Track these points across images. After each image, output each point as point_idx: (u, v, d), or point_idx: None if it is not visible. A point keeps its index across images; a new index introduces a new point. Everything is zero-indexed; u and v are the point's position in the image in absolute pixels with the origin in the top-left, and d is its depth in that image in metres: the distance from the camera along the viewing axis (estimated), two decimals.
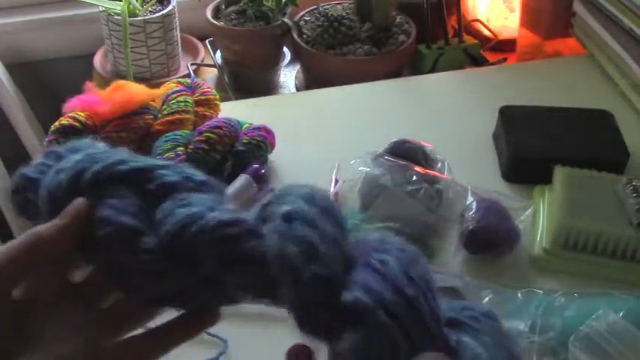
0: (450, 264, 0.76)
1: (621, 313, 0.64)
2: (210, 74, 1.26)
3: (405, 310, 0.33)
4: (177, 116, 0.87)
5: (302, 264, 0.35)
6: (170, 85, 0.92)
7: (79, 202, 0.40)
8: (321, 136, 0.97)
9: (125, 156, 0.41)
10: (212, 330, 0.68)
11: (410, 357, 0.33)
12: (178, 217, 0.38)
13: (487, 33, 1.29)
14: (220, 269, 0.37)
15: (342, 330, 0.34)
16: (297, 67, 1.26)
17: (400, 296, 0.34)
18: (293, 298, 0.36)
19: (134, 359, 0.40)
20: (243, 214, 0.39)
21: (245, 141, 0.86)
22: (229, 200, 0.41)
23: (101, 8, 1.13)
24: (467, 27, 1.28)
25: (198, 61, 1.25)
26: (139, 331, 0.42)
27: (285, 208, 0.37)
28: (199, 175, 0.42)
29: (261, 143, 0.86)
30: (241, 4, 1.18)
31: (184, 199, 0.39)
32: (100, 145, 0.46)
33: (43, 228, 0.39)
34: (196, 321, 0.41)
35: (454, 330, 0.36)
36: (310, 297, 0.35)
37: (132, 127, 0.86)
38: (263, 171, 0.84)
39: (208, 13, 1.17)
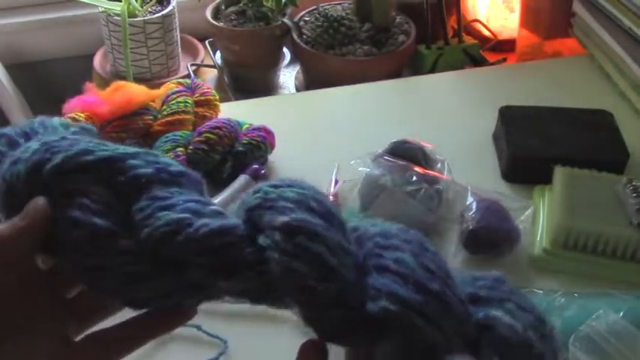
0: (450, 264, 0.75)
1: (621, 313, 0.64)
2: (210, 75, 1.26)
3: (434, 307, 0.33)
4: (177, 117, 0.87)
5: (316, 283, 0.33)
6: (170, 86, 0.92)
7: (39, 202, 0.37)
8: (321, 136, 0.97)
9: (89, 144, 0.38)
10: (212, 330, 0.68)
11: (446, 346, 0.33)
12: (162, 221, 0.35)
13: (487, 33, 1.29)
14: (212, 277, 0.35)
15: (371, 337, 0.33)
16: (297, 67, 1.26)
17: (426, 294, 0.33)
18: (311, 316, 0.34)
19: (104, 352, 0.39)
20: (231, 219, 0.36)
21: (245, 141, 0.86)
22: (226, 202, 0.39)
23: (101, 9, 1.13)
24: (466, 27, 1.28)
25: (198, 61, 1.26)
26: (110, 323, 0.41)
27: (282, 218, 0.34)
28: (174, 165, 0.39)
29: (260, 144, 0.86)
30: (241, 4, 1.18)
31: (164, 198, 0.36)
32: (55, 124, 0.42)
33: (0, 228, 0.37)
34: (172, 316, 0.40)
35: (478, 305, 0.35)
36: (331, 314, 0.34)
37: (132, 127, 0.86)
38: (263, 171, 0.84)
39: (208, 14, 1.17)
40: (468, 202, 0.78)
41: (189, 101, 0.90)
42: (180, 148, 0.83)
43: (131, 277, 0.36)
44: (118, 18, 1.11)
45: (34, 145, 0.38)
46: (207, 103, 0.92)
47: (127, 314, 0.41)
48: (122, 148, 0.38)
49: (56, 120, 0.43)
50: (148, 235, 0.35)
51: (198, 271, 0.35)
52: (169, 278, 0.36)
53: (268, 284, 0.35)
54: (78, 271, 0.37)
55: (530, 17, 1.18)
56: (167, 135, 0.84)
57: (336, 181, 0.86)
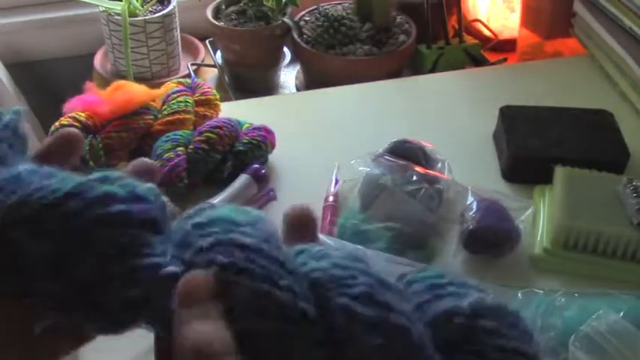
0: (450, 264, 0.75)
1: (621, 313, 0.64)
2: (211, 74, 1.26)
3: None
4: (177, 116, 0.87)
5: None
6: (170, 85, 0.92)
7: None
8: (321, 136, 0.97)
9: (19, 190, 0.33)
10: None
11: None
12: (119, 300, 0.31)
13: (487, 33, 1.29)
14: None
15: None
16: (297, 67, 1.26)
17: None
18: None
19: (70, 342, 0.36)
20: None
21: (245, 141, 0.86)
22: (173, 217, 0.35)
23: (101, 8, 1.13)
24: (467, 27, 1.28)
25: (199, 61, 1.26)
26: None
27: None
28: (119, 198, 0.33)
29: (261, 143, 0.86)
30: (241, 4, 1.18)
31: (121, 264, 0.32)
32: None
33: None
34: None
35: (452, 354, 0.31)
36: None
37: (132, 127, 0.86)
38: (263, 171, 0.84)
39: (208, 13, 1.17)
40: (468, 202, 0.78)
41: (189, 101, 0.90)
42: (181, 148, 0.83)
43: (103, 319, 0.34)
44: (119, 17, 1.11)
45: None
46: (207, 103, 0.92)
47: None
48: (57, 186, 0.33)
49: None
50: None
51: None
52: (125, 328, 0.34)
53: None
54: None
55: (530, 17, 1.18)
56: (167, 134, 0.84)
57: (336, 181, 0.86)
